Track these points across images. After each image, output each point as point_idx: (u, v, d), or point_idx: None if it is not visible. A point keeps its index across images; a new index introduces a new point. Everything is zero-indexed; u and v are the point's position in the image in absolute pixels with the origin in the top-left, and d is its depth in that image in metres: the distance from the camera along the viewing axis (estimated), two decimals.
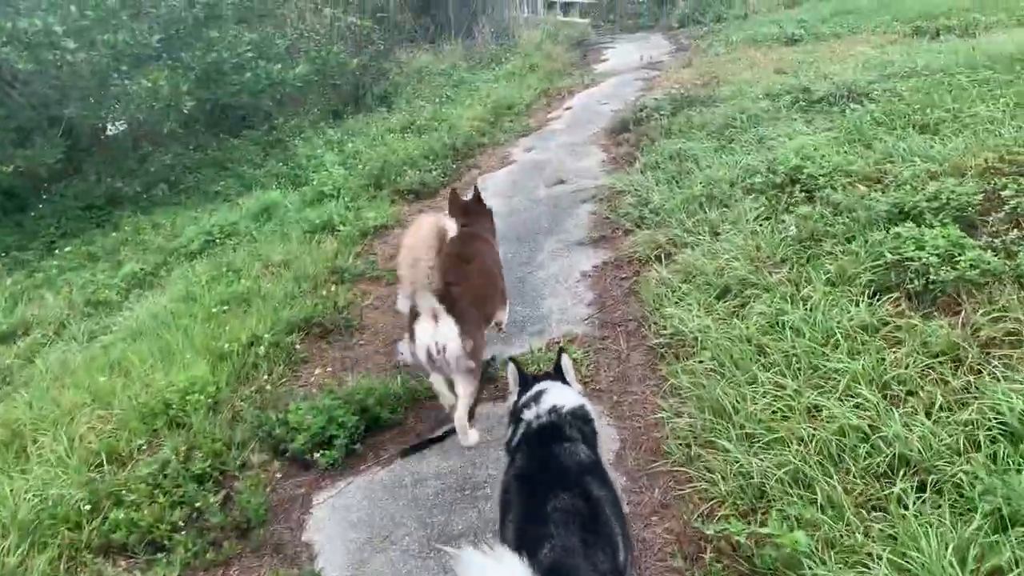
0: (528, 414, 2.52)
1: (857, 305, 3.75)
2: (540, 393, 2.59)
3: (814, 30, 11.49)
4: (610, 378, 4.08)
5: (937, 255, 3.78)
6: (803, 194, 5.13)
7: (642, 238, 5.41)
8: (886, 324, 3.59)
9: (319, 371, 4.71)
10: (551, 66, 14.01)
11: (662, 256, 5.08)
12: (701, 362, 3.74)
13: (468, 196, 4.78)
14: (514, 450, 2.49)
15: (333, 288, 5.70)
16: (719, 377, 3.58)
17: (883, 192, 4.74)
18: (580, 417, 2.50)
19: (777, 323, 3.82)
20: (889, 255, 3.94)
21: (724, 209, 5.36)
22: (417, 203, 7.81)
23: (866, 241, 4.21)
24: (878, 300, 3.77)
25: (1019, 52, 6.80)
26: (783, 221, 4.81)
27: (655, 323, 4.33)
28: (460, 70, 15.14)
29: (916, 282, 3.74)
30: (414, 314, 3.63)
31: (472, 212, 4.56)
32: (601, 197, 6.76)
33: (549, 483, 2.17)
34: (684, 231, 5.25)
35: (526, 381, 2.75)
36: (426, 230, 3.35)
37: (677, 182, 6.23)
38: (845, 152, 5.54)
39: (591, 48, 17.22)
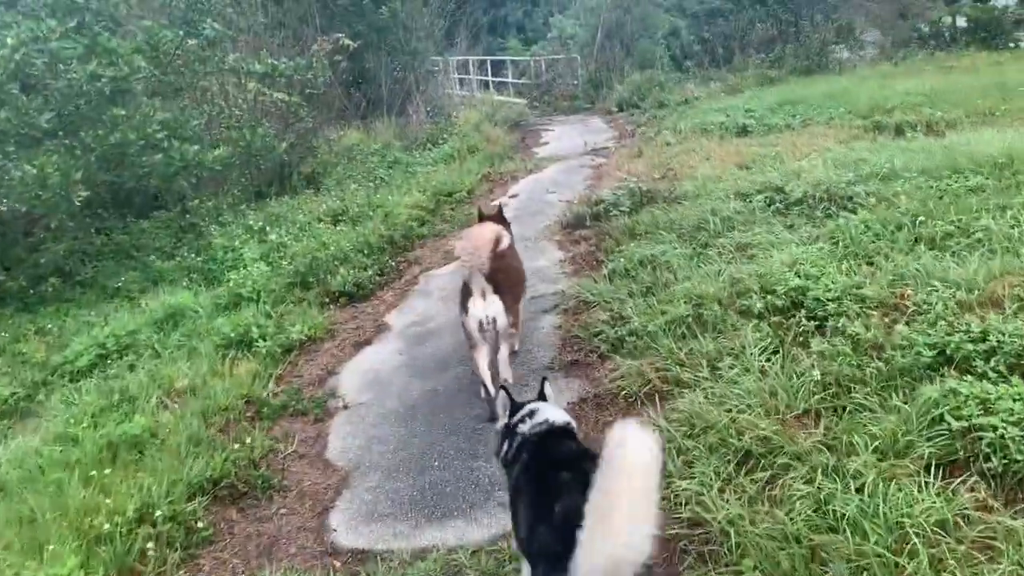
0: (523, 428, 2.81)
1: (923, 489, 2.96)
2: (533, 411, 2.88)
3: (764, 120, 11.20)
4: None
5: (1014, 423, 3.06)
6: (811, 322, 4.41)
7: (625, 368, 4.57)
8: (967, 519, 2.81)
9: (226, 555, 3.64)
10: (491, 149, 13.39)
11: (655, 396, 4.25)
12: (742, 574, 2.86)
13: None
14: (511, 462, 2.80)
15: (249, 427, 4.66)
16: None
17: (908, 324, 4.06)
18: (569, 432, 2.82)
19: (826, 512, 2.99)
20: (952, 420, 3.19)
21: (718, 336, 4.59)
22: (351, 308, 6.84)
23: (911, 394, 3.47)
24: (947, 480, 3.00)
25: (1003, 156, 6.41)
26: (797, 359, 4.05)
27: (664, 502, 3.45)
28: (394, 150, 14.39)
29: (993, 460, 3.00)
30: (467, 292, 4.55)
31: (500, 223, 5.12)
32: (566, 307, 5.94)
33: (555, 466, 2.48)
34: (675, 363, 4.44)
35: (516, 407, 2.98)
36: (489, 231, 4.53)
37: (654, 293, 5.47)
38: (847, 270, 4.88)
39: (530, 130, 16.79)
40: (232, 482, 4.06)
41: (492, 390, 4.35)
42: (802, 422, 3.63)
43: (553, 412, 2.87)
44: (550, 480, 2.42)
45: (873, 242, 5.26)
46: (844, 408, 3.61)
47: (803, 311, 4.53)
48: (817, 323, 4.39)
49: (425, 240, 8.71)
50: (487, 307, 4.47)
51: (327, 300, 6.95)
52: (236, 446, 4.32)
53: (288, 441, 4.59)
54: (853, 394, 3.66)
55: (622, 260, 6.19)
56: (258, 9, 17.31)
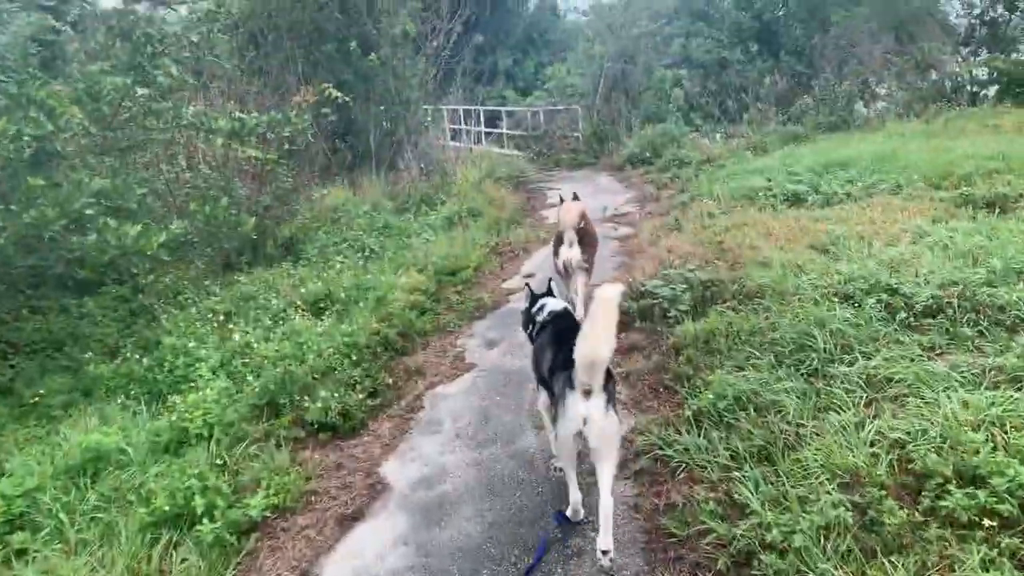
0: (540, 316, 4.54)
1: None
2: (543, 304, 4.62)
3: (815, 187, 9.68)
4: None
5: None
6: None
7: None
8: None
9: None
10: (496, 213, 11.79)
11: None
12: None
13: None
14: (534, 335, 4.55)
15: None
16: None
17: None
18: (567, 313, 4.54)
19: None
20: None
21: (905, 556, 2.93)
22: (335, 447, 5.10)
23: None
24: None
25: None
26: None
27: None
28: (384, 211, 12.76)
29: None
30: (559, 241, 6.75)
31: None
32: (638, 467, 4.26)
33: (560, 332, 4.09)
34: None
35: (534, 297, 4.79)
36: (577, 206, 6.81)
37: (772, 460, 3.82)
38: None
39: (534, 189, 15.24)
40: None
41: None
42: None
43: (554, 303, 4.63)
44: (558, 338, 3.95)
45: None
46: None
47: None
48: None
49: (428, 338, 7.02)
50: (572, 251, 6.55)
51: (303, 434, 5.22)
52: None
53: None
54: None
55: (709, 396, 4.52)
56: (234, 54, 15.86)
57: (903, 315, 5.01)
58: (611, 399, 3.58)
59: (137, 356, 6.85)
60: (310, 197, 13.02)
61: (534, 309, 4.65)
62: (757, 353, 4.96)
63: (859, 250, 6.60)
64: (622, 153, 17.01)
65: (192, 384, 6.00)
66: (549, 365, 3.95)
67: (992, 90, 18.62)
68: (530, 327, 4.66)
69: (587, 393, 3.47)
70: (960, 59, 19.42)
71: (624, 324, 6.32)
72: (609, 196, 12.95)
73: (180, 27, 7.72)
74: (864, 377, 4.37)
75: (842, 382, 4.38)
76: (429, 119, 17.91)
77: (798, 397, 4.32)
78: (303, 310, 7.53)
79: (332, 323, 7.05)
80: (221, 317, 7.56)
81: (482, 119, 23.65)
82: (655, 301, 6.26)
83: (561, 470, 4.20)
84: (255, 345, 6.50)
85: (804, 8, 20.57)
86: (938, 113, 16.00)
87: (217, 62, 10.62)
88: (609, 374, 3.56)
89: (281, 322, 7.29)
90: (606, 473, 3.53)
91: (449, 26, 16.57)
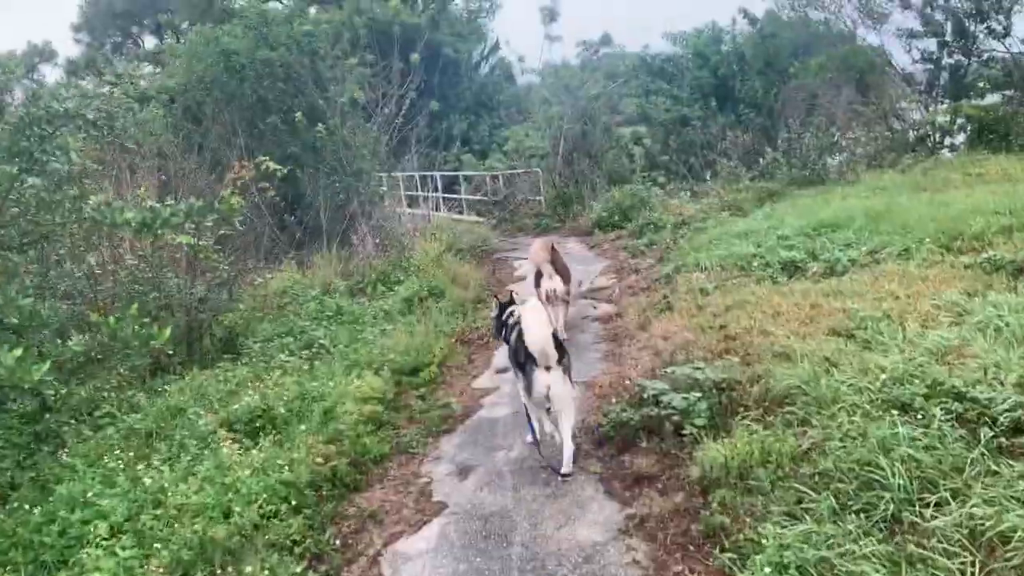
0: (511, 320, 5.69)
1: None
2: (512, 311, 5.76)
3: (811, 252, 8.75)
4: None
5: None
6: None
7: None
8: None
9: None
10: (460, 292, 10.67)
11: None
12: None
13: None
14: (507, 336, 5.73)
15: None
16: None
17: None
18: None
19: None
20: None
21: None
22: None
23: None
24: None
25: None
26: None
27: None
28: (337, 293, 11.60)
29: None
30: (539, 275, 7.88)
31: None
32: None
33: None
34: None
35: (502, 306, 6.06)
36: (541, 241, 8.55)
37: None
38: None
39: (499, 260, 14.19)
40: None
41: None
42: None
43: (520, 309, 5.60)
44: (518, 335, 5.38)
45: None
46: None
47: None
48: None
49: (386, 464, 5.79)
50: (553, 282, 7.73)
51: None
52: None
53: None
54: None
55: (765, 572, 3.37)
56: (167, 129, 14.75)
57: (987, 431, 3.95)
58: (567, 371, 5.18)
59: (25, 508, 5.49)
60: (253, 282, 11.78)
61: (504, 315, 5.95)
62: (811, 493, 3.84)
63: (892, 335, 5.59)
64: (589, 216, 16.10)
65: (86, 552, 4.68)
66: (523, 358, 5.21)
67: (960, 138, 18.29)
68: (503, 331, 5.92)
69: (547, 369, 5.02)
70: (923, 108, 19.12)
71: (625, 443, 5.20)
72: (581, 266, 11.92)
73: (86, 102, 6.56)
74: (967, 532, 3.28)
75: (938, 539, 3.29)
76: (384, 188, 16.90)
77: (885, 566, 3.21)
78: (234, 432, 6.25)
79: (269, 451, 5.78)
80: (138, 442, 6.28)
81: (439, 185, 22.74)
82: (664, 412, 5.13)
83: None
84: (170, 492, 5.20)
85: (761, 60, 20.20)
86: (914, 163, 15.47)
87: (120, 140, 9.48)
88: (562, 351, 5.18)
89: (208, 450, 6.00)
90: (566, 426, 5.08)
91: (401, 92, 15.67)
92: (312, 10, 29.11)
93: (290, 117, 15.07)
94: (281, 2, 30.97)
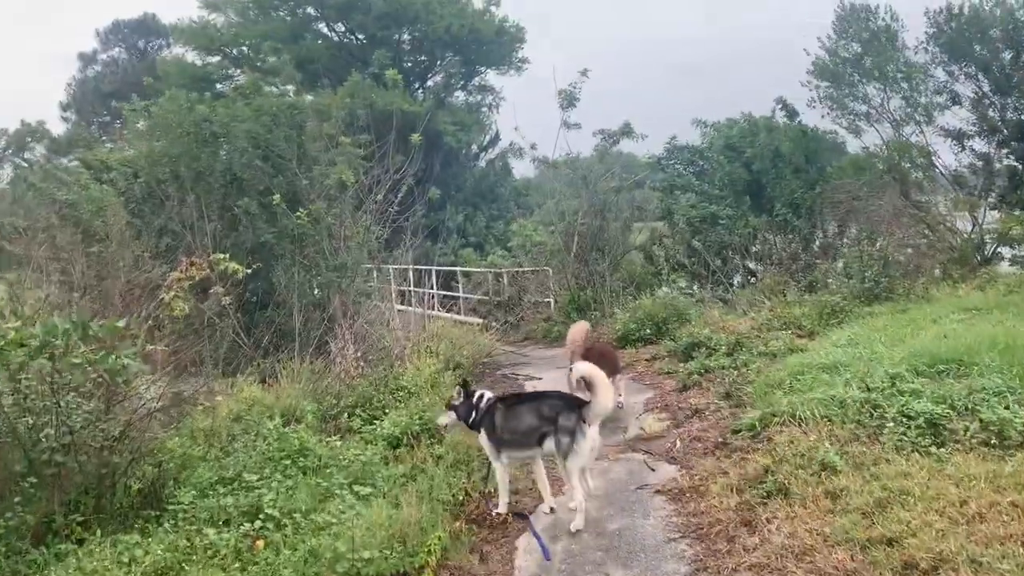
0: (481, 403, 6.38)
1: None
2: (482, 395, 6.48)
3: (950, 402, 6.36)
4: None
5: None
6: None
7: None
8: None
9: None
10: (463, 433, 8.12)
11: None
12: None
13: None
14: (479, 420, 6.37)
15: None
16: None
17: None
18: (501, 399, 6.53)
19: None
20: None
21: None
22: None
23: None
24: None
25: None
26: None
27: None
28: (306, 423, 9.03)
29: None
30: (573, 361, 8.28)
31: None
32: None
33: (525, 403, 6.43)
34: None
35: (469, 393, 6.51)
36: (579, 327, 9.72)
37: None
38: None
39: (506, 378, 11.71)
40: None
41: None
42: None
43: (489, 393, 6.51)
44: (525, 407, 6.25)
45: None
46: None
47: None
48: None
49: None
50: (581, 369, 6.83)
51: None
52: None
53: None
54: None
55: None
56: (120, 212, 12.45)
57: None
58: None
59: None
60: (198, 403, 9.19)
61: (474, 400, 6.47)
62: None
63: None
64: (614, 327, 13.69)
65: None
66: (507, 436, 6.17)
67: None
68: (472, 415, 6.43)
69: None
70: (978, 214, 17.18)
71: None
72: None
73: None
74: None
75: None
76: (372, 285, 14.55)
77: None
78: None
79: None
80: None
81: (435, 281, 20.42)
82: None
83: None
84: None
85: (800, 155, 18.33)
86: (990, 279, 13.30)
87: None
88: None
89: None
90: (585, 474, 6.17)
91: (397, 176, 13.50)
92: (308, 97, 27.55)
93: (266, 200, 12.84)
94: (276, 87, 29.51)
